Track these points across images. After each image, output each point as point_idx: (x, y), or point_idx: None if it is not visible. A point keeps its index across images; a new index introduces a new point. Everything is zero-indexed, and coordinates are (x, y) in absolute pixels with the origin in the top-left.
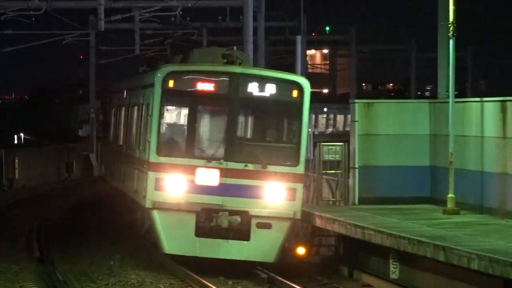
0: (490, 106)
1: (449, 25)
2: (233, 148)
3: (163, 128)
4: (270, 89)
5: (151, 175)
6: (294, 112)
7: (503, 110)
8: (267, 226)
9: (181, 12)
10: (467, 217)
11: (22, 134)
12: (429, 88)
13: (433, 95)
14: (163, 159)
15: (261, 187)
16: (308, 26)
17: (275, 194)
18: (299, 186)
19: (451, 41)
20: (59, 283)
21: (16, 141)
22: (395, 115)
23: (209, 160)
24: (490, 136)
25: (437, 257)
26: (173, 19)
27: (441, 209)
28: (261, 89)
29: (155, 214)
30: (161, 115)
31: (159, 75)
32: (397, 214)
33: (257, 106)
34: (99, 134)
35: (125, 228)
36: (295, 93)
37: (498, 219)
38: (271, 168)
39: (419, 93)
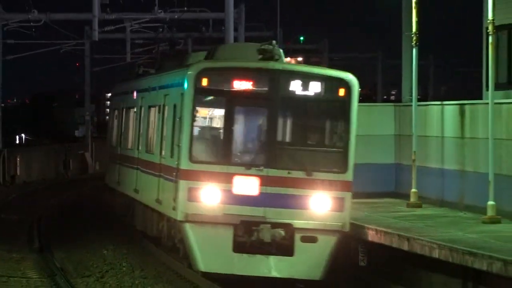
0: (450, 109)
1: (412, 35)
2: (274, 153)
3: (196, 132)
4: (315, 87)
5: (183, 184)
6: (341, 112)
7: (461, 113)
8: (313, 239)
9: (168, 23)
10: (428, 210)
11: (23, 135)
12: (394, 93)
13: (398, 99)
14: (196, 166)
15: (306, 197)
16: (284, 36)
17: (321, 204)
18: (348, 195)
19: (414, 50)
20: (57, 270)
21: (17, 141)
22: (364, 117)
23: (248, 167)
24: (449, 136)
25: (402, 247)
26: (161, 30)
27: (405, 203)
28: (305, 87)
29: (188, 227)
30: (193, 117)
31: (190, 72)
32: (366, 207)
33: (300, 106)
34: (93, 135)
35: (121, 224)
36: (342, 92)
37: (457, 211)
38: (316, 175)
39: (385, 97)
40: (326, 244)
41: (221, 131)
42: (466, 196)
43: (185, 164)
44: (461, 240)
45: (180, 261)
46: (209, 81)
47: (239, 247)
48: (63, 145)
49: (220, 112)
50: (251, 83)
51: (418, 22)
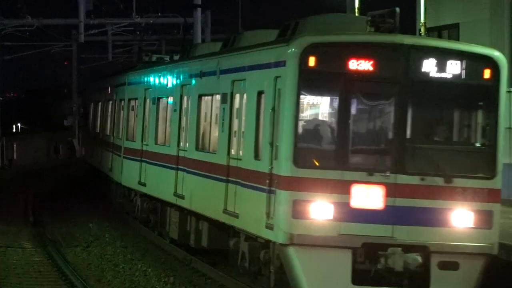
0: None
1: None
2: (403, 154)
3: (301, 127)
4: (453, 68)
5: (286, 196)
6: (487, 100)
7: None
8: (453, 266)
9: (144, 27)
10: None
11: (19, 124)
12: None
13: None
14: (303, 173)
15: (444, 210)
16: None
17: (463, 220)
18: (496, 207)
19: None
20: (49, 241)
21: (14, 130)
22: None
23: (370, 172)
24: None
25: None
26: (138, 32)
27: None
28: (441, 68)
29: (293, 252)
30: (298, 108)
31: (293, 49)
32: None
33: (434, 92)
34: (80, 124)
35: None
36: (487, 73)
37: None
38: (457, 182)
39: None
40: (470, 272)
41: (334, 126)
42: None
43: (287, 170)
44: None
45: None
46: (317, 61)
47: (360, 277)
48: (53, 133)
49: (332, 101)
50: (371, 62)
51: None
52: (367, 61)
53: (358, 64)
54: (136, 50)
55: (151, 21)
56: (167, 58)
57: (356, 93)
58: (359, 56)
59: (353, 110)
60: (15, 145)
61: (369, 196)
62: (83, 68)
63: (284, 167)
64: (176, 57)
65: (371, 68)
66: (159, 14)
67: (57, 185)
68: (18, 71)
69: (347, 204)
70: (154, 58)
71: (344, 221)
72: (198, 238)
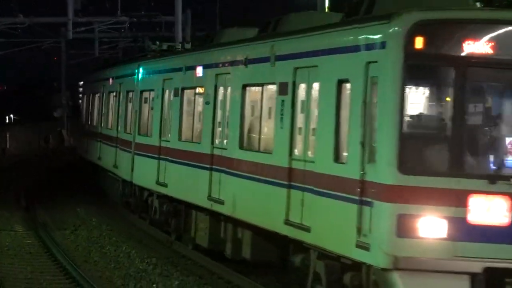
0: None
1: None
2: None
3: (406, 124)
4: None
5: (389, 209)
6: None
7: None
8: None
9: (128, 25)
10: None
11: (12, 115)
12: None
13: None
14: (409, 180)
15: None
16: None
17: None
18: None
19: None
20: (39, 225)
21: (7, 121)
22: None
23: (492, 180)
24: None
25: None
26: (123, 30)
27: None
28: None
29: (398, 279)
30: (403, 101)
31: (397, 28)
32: None
33: None
34: (68, 115)
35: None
36: None
37: None
38: None
39: None
40: None
41: (447, 122)
42: None
43: (390, 177)
44: None
45: None
46: (426, 42)
47: None
48: (44, 124)
49: (444, 92)
50: (492, 44)
51: None
52: (486, 43)
53: (475, 47)
54: (121, 47)
55: (134, 19)
56: (178, 46)
57: (473, 81)
58: (476, 36)
59: (470, 102)
60: (8, 135)
61: (490, 209)
62: (71, 63)
63: (386, 174)
64: (187, 46)
65: (491, 51)
66: (143, 12)
67: (47, 173)
68: (11, 66)
69: (463, 219)
70: (164, 46)
71: (461, 241)
72: (236, 248)
